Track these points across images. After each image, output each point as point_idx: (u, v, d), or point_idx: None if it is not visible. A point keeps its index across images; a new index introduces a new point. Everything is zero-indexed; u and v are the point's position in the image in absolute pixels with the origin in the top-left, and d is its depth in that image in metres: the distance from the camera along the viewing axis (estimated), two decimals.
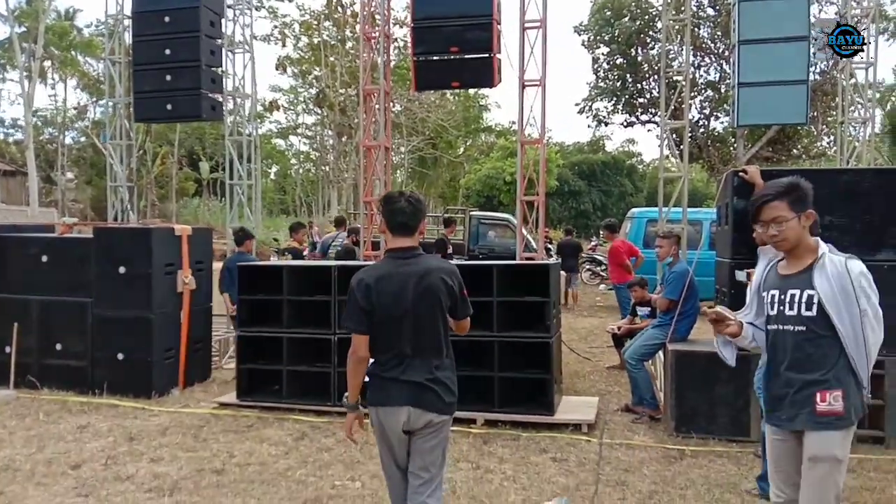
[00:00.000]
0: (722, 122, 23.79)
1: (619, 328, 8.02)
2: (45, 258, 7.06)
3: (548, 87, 7.75)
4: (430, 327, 3.03)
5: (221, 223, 32.11)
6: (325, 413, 6.21)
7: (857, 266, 2.69)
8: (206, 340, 7.65)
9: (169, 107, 9.11)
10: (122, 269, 6.78)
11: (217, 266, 8.20)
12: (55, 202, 36.00)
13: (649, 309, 7.55)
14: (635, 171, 51.55)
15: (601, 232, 10.27)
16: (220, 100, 9.55)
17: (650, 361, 7.35)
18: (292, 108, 39.33)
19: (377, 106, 8.68)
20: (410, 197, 3.13)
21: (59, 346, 7.02)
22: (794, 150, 23.49)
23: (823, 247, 2.77)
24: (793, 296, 2.74)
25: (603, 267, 17.74)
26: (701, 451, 5.30)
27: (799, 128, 21.26)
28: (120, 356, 6.81)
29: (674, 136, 11.14)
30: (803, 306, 2.71)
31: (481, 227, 15.46)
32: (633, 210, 15.81)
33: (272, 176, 55.46)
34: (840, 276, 2.66)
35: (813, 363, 2.70)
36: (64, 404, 6.53)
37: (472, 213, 16.39)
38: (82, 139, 39.73)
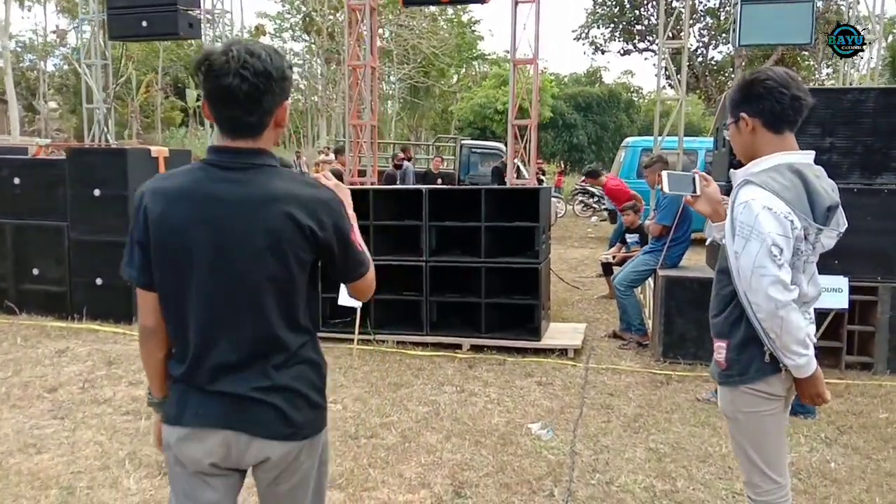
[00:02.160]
0: (720, 52, 23.26)
1: (613, 257, 7.91)
2: (17, 180, 6.81)
3: (543, 14, 7.43)
4: (262, 300, 1.68)
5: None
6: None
7: (744, 194, 2.07)
8: None
9: (144, 23, 8.66)
10: (96, 192, 6.55)
11: None
12: (38, 131, 35.20)
13: (638, 236, 7.41)
14: (633, 105, 50.66)
15: (583, 178, 9.85)
16: (199, 17, 9.08)
17: (639, 289, 7.27)
18: (279, 35, 38.18)
19: (363, 24, 8.28)
20: (249, 63, 1.60)
21: (36, 271, 6.85)
22: None
23: (760, 163, 2.15)
24: None
25: (595, 199, 17.56)
26: (688, 377, 5.25)
27: (799, 59, 20.77)
28: (98, 281, 6.65)
29: (672, 63, 10.77)
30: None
31: (472, 157, 15.17)
32: (628, 139, 15.51)
33: None
34: (730, 204, 2.15)
35: (716, 301, 2.26)
36: (42, 329, 6.41)
37: (463, 141, 16.06)
38: (65, 66, 38.60)
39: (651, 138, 11.73)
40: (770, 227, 2.01)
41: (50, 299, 6.81)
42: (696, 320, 5.50)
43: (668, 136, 11.01)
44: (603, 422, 4.35)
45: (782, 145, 2.17)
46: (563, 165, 32.81)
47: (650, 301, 6.87)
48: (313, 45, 30.31)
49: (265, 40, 35.77)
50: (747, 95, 2.19)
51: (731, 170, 2.34)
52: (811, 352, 2.11)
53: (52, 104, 38.52)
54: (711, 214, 2.41)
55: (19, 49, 38.17)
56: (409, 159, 13.83)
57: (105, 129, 9.22)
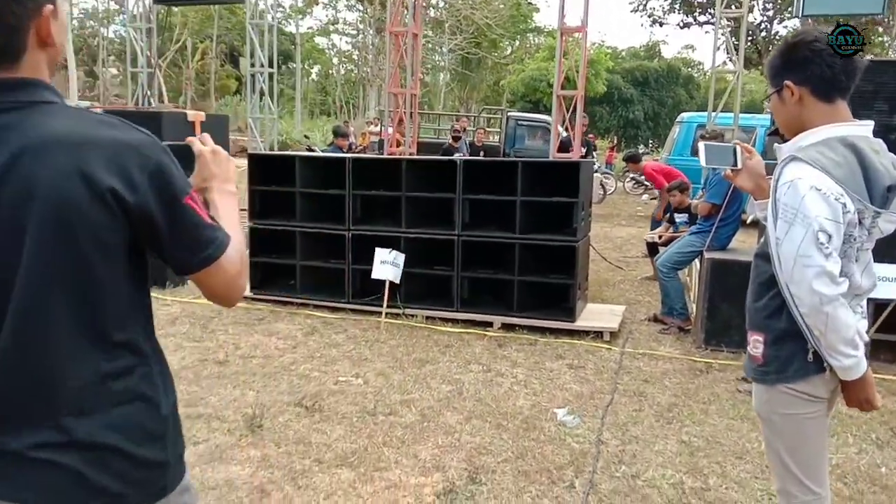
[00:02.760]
0: (786, 26, 22.10)
1: (659, 237, 7.56)
2: None
3: None
4: (41, 308, 1.14)
5: (260, 122, 31.97)
6: (339, 309, 6.03)
7: (789, 172, 1.81)
8: None
9: None
10: None
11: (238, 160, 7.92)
12: (97, 96, 36.07)
13: (687, 216, 7.05)
14: (692, 81, 48.91)
15: (625, 164, 9.53)
16: None
17: (685, 272, 6.94)
18: (332, 4, 38.07)
19: None
20: None
21: None
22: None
23: (808, 136, 1.87)
24: None
25: None
26: (730, 366, 4.96)
27: (871, 31, 19.57)
28: None
29: (732, 38, 10.25)
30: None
31: (518, 129, 14.81)
32: (683, 115, 14.90)
33: (314, 76, 54.59)
34: (773, 183, 1.88)
35: (753, 288, 2.01)
36: None
37: (509, 113, 15.69)
38: (123, 32, 39.36)
39: (705, 114, 11.23)
40: (818, 209, 1.75)
41: None
42: (743, 307, 5.16)
43: (723, 111, 10.51)
44: (634, 410, 4.13)
45: (834, 116, 1.90)
46: (615, 141, 31.92)
47: (695, 284, 6.54)
48: (366, 15, 30.09)
49: (318, 11, 35.73)
50: (792, 60, 1.91)
51: (776, 144, 2.06)
52: (861, 352, 1.85)
53: (113, 70, 39.36)
54: (754, 190, 2.15)
55: (81, 16, 38.99)
56: (464, 130, 13.41)
57: (148, 93, 9.25)
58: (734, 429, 3.88)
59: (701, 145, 2.22)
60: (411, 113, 7.93)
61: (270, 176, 6.23)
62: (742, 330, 5.15)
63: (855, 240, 1.85)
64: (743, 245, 6.23)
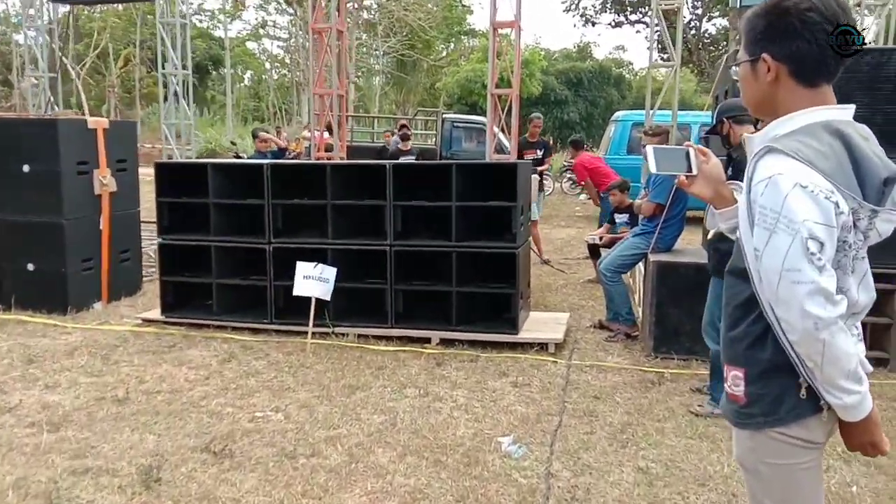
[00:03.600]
0: (714, 24, 22.47)
1: (599, 238, 7.28)
2: None
3: None
4: None
5: (176, 128, 30.70)
6: (262, 331, 5.50)
7: (766, 167, 1.46)
8: (135, 250, 6.81)
9: None
10: (25, 168, 5.85)
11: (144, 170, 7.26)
12: (13, 107, 34.07)
13: (628, 216, 6.80)
14: (623, 81, 49.72)
15: (568, 149, 9.34)
16: None
17: (629, 274, 6.67)
18: (264, 6, 37.05)
19: None
20: None
21: None
22: None
23: (785, 123, 1.53)
24: None
25: None
26: (682, 375, 4.67)
27: None
28: (30, 267, 5.98)
29: (666, 35, 10.15)
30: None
31: (454, 132, 14.45)
32: (618, 113, 14.83)
33: (246, 82, 53.09)
34: (745, 182, 1.53)
35: (727, 313, 1.66)
36: None
37: (444, 115, 15.32)
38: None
39: (642, 112, 11.10)
40: (805, 212, 1.39)
41: None
42: (691, 311, 4.89)
43: (659, 109, 10.41)
44: (585, 433, 3.76)
45: (815, 101, 1.54)
46: (551, 142, 31.99)
47: (639, 288, 6.27)
48: (296, 17, 29.29)
49: (248, 14, 34.63)
50: (775, 28, 1.53)
51: (745, 135, 1.69)
52: (865, 387, 1.50)
53: (33, 79, 37.18)
54: (713, 198, 1.79)
55: None
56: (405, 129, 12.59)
57: (51, 99, 8.47)
58: (693, 450, 3.56)
59: (649, 149, 1.85)
60: (339, 116, 7.45)
61: (180, 186, 5.64)
62: (691, 336, 4.87)
63: (850, 247, 1.50)
64: (689, 246, 5.99)
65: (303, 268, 5.05)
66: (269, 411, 4.01)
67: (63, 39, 31.29)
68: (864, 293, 1.59)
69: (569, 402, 4.20)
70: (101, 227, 6.23)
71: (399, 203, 5.19)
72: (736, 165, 3.86)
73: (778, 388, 1.54)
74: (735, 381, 1.60)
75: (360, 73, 38.81)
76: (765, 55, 1.54)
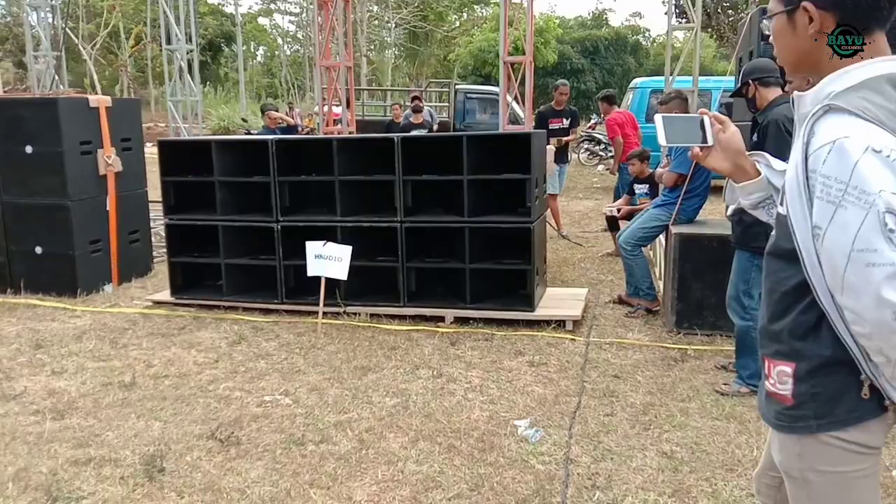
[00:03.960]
0: None
1: (617, 210, 7.05)
2: None
3: None
4: None
5: (207, 109, 30.55)
6: (272, 311, 5.38)
7: (827, 129, 1.25)
8: (145, 230, 6.71)
9: None
10: (28, 149, 5.73)
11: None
12: (28, 88, 34.15)
13: (647, 186, 6.56)
14: (640, 48, 48.72)
15: (600, 104, 8.67)
16: None
17: (649, 247, 6.46)
18: None
19: None
20: None
21: None
22: None
23: (841, 78, 1.32)
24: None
25: (602, 146, 16.58)
26: (706, 352, 4.49)
27: None
28: (38, 250, 5.89)
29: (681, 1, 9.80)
30: (780, 196, 1.46)
31: (468, 103, 14.15)
32: (636, 80, 14.43)
33: (259, 58, 52.76)
34: (799, 149, 1.31)
35: (771, 301, 1.45)
36: None
37: (457, 86, 15.02)
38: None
39: (661, 79, 10.75)
40: (881, 180, 1.19)
41: None
42: (715, 284, 4.69)
43: (679, 76, 10.11)
44: (606, 415, 3.60)
45: (869, 52, 1.33)
46: None
47: (660, 261, 6.07)
48: None
49: None
50: None
51: (795, 93, 1.47)
52: None
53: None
54: (732, 171, 1.60)
55: (3, 2, 36.74)
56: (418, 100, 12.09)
57: (56, 79, 8.34)
58: (720, 432, 3.39)
59: (658, 118, 1.64)
60: (347, 89, 7.25)
61: (185, 164, 5.50)
62: (715, 310, 4.66)
63: None
64: (712, 217, 5.76)
65: (312, 247, 4.91)
66: (278, 395, 3.89)
67: (73, 19, 31.20)
68: None
69: (588, 381, 4.04)
70: (107, 208, 6.12)
71: (409, 178, 5.01)
72: (762, 131, 3.64)
73: (835, 387, 1.35)
74: (781, 378, 1.41)
75: (372, 47, 38.36)
76: (806, 3, 1.33)
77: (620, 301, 5.59)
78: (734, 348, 3.99)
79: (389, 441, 3.33)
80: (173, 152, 5.56)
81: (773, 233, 1.47)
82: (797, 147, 1.32)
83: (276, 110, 9.07)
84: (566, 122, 8.26)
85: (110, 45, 34.44)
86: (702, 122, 1.60)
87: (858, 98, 1.26)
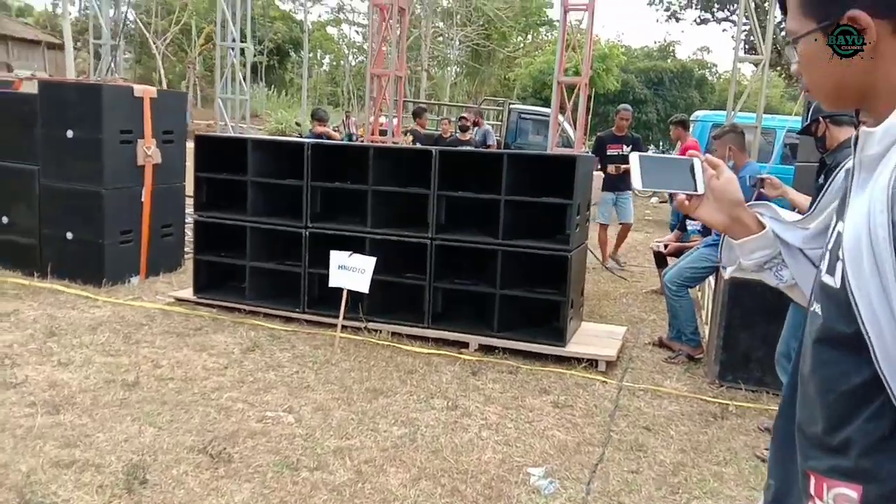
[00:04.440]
0: None
1: (665, 245, 6.66)
2: None
3: None
4: None
5: (265, 110, 31.07)
6: (293, 320, 5.19)
7: None
8: (179, 225, 6.63)
9: None
10: (69, 134, 5.71)
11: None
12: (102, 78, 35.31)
13: (701, 223, 6.16)
14: (705, 83, 47.76)
15: (671, 129, 8.14)
16: None
17: (697, 288, 6.06)
18: None
19: None
20: None
21: (5, 220, 6.10)
22: None
23: None
24: (832, 235, 1.08)
25: None
26: (749, 410, 4.10)
27: None
28: (69, 235, 5.85)
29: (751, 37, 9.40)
30: (829, 262, 1.05)
31: (521, 123, 13.90)
32: (697, 113, 14.00)
33: (325, 67, 53.66)
34: (882, 199, 0.93)
35: (827, 401, 1.07)
36: (1, 286, 5.66)
37: (511, 106, 14.78)
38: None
39: (723, 112, 10.31)
40: None
41: (19, 251, 6.05)
42: (765, 336, 4.31)
43: (742, 111, 9.68)
44: (630, 472, 3.26)
45: None
46: None
47: (708, 304, 5.67)
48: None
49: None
50: None
51: (863, 128, 1.11)
52: None
53: (127, 53, 38.45)
54: (728, 225, 1.27)
55: None
56: (475, 124, 11.91)
57: (112, 67, 8.41)
58: None
59: (633, 157, 1.32)
60: (395, 100, 7.09)
61: (220, 162, 5.38)
62: (763, 364, 4.24)
63: None
64: None
65: (337, 257, 4.71)
66: (281, 411, 3.67)
67: (147, 14, 32.13)
68: None
69: (615, 431, 3.70)
70: (142, 199, 6.05)
71: (444, 193, 4.77)
72: (829, 173, 3.28)
73: None
74: (839, 501, 1.08)
75: (434, 63, 38.55)
76: (854, 13, 0.97)
77: (661, 344, 5.22)
78: None
79: (389, 476, 3.06)
80: (210, 148, 5.45)
81: (818, 312, 1.13)
82: (873, 198, 0.99)
83: (327, 118, 8.95)
84: (626, 149, 7.77)
85: (181, 42, 35.43)
86: (692, 165, 1.30)
87: None
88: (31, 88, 6.24)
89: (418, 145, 7.93)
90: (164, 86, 25.50)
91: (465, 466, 3.19)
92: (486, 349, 4.76)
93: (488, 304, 4.77)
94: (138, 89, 5.97)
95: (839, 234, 1.02)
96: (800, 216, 1.29)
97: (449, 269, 4.90)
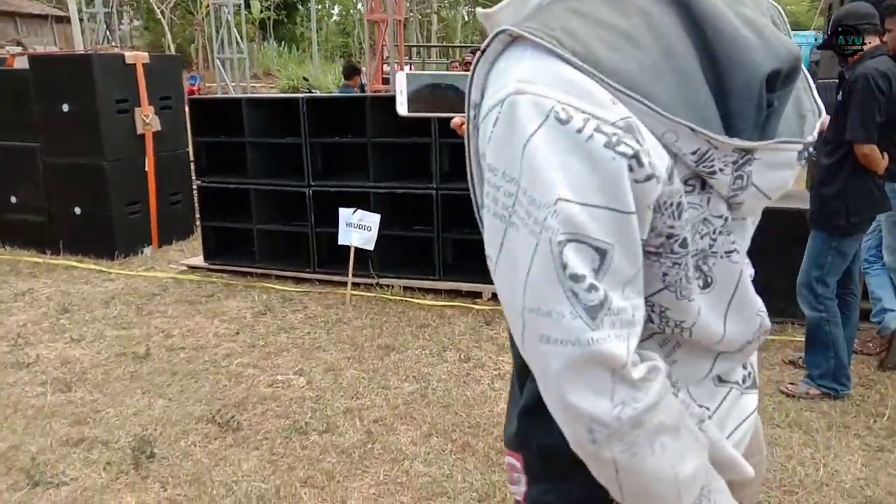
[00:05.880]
0: None
1: None
2: None
3: None
4: None
5: (277, 67, 30.69)
6: (305, 280, 5.13)
7: (499, 82, 0.71)
8: (187, 192, 6.56)
9: None
10: (65, 107, 5.62)
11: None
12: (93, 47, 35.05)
13: None
14: None
15: None
16: None
17: None
18: None
19: None
20: None
21: (13, 199, 6.09)
22: None
23: None
24: None
25: None
26: (774, 342, 3.96)
27: None
28: (77, 210, 5.82)
29: None
30: None
31: None
32: None
33: (334, 17, 52.62)
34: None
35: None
36: (15, 265, 5.68)
37: None
38: None
39: None
40: (561, 178, 0.67)
41: (30, 230, 6.05)
42: (787, 266, 4.10)
43: None
44: None
45: None
46: None
47: None
48: None
49: None
50: None
51: None
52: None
53: (136, 21, 38.23)
54: None
55: None
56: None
57: (107, 35, 8.24)
58: (780, 442, 2.91)
59: (399, 77, 1.15)
60: (396, 45, 6.81)
61: (217, 124, 5.26)
62: (788, 294, 4.11)
63: (684, 242, 0.74)
64: (792, 188, 5.10)
65: (344, 214, 4.60)
66: (291, 374, 3.63)
67: None
68: (739, 321, 0.83)
69: None
70: (146, 169, 5.98)
71: (446, 140, 4.60)
72: (849, 87, 3.04)
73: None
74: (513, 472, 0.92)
75: (444, 2, 37.54)
76: None
77: None
78: (804, 341, 3.45)
79: (399, 435, 3.01)
80: (205, 111, 5.32)
81: None
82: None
83: (359, 72, 8.64)
84: None
85: (187, 4, 34.91)
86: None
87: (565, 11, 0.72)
88: (24, 64, 6.13)
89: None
90: (173, 51, 25.23)
91: (476, 420, 3.12)
92: None
93: None
94: (129, 56, 5.83)
95: None
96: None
97: (457, 218, 4.76)
